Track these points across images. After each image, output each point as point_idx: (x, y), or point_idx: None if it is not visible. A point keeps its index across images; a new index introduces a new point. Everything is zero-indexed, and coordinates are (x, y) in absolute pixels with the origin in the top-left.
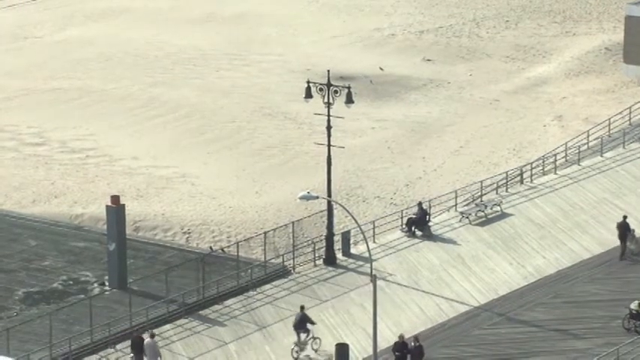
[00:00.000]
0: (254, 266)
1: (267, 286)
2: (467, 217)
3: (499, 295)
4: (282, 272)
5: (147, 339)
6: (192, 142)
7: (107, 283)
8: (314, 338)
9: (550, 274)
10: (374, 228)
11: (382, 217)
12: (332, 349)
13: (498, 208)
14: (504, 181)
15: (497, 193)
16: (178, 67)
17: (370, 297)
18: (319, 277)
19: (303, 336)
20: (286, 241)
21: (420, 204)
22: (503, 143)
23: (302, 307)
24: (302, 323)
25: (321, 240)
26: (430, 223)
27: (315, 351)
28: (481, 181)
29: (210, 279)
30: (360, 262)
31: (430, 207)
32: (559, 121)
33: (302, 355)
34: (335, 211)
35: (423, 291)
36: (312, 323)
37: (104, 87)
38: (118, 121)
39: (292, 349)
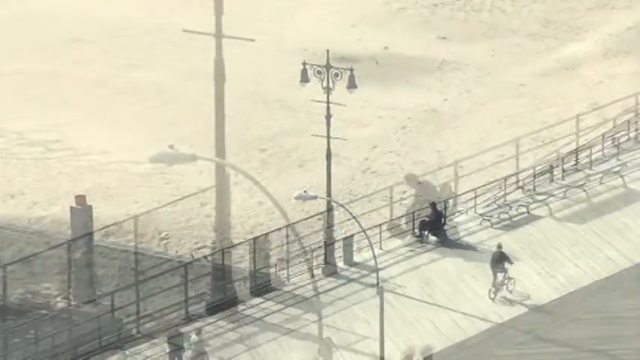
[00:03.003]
0: (242, 277)
1: (257, 300)
2: (488, 220)
3: (526, 309)
4: (275, 283)
5: (193, 335)
6: (172, 133)
7: (72, 297)
8: (509, 279)
9: (585, 286)
10: (380, 232)
11: (390, 220)
12: (528, 292)
13: (524, 210)
14: (531, 178)
15: (523, 193)
16: (158, 48)
17: (376, 312)
18: (317, 288)
19: (500, 276)
20: (279, 248)
21: (433, 205)
22: (530, 134)
23: (499, 245)
24: (499, 262)
25: (320, 246)
26: (446, 227)
27: (510, 292)
28: (504, 178)
29: (192, 291)
30: (365, 272)
31: (446, 208)
32: (595, 109)
33: (498, 295)
34: (336, 213)
35: (438, 305)
36: (510, 263)
37: (71, 70)
38: (86, 110)
39: (489, 290)
